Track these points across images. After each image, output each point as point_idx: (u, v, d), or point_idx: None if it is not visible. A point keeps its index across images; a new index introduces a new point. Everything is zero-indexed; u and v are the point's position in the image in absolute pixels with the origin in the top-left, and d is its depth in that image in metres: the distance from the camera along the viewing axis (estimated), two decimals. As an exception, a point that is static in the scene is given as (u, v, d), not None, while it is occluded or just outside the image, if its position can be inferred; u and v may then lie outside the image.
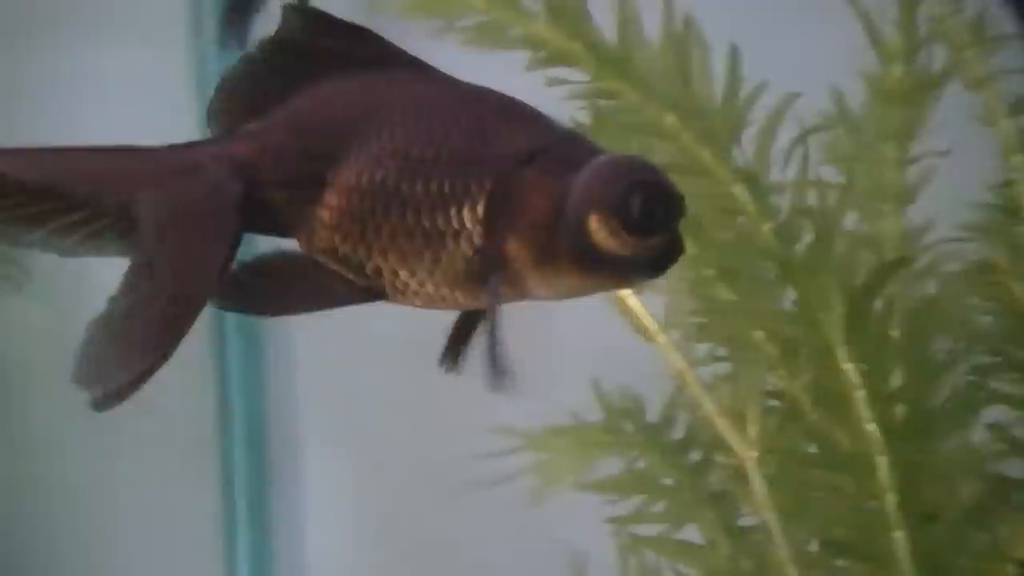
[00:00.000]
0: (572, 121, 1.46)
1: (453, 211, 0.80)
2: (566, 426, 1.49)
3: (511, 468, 1.49)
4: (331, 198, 0.82)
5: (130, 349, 0.78)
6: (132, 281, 0.80)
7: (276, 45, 0.84)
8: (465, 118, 0.81)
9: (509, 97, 0.83)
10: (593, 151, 0.81)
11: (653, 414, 1.51)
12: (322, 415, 2.15)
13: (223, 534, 2.10)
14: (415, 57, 0.85)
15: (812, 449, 1.42)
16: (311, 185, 0.83)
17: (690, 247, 1.48)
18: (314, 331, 2.03)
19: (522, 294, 0.82)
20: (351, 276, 0.83)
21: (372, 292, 0.83)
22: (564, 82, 1.45)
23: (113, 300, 0.80)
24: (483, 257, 0.80)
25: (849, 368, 1.39)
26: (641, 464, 1.45)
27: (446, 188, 0.80)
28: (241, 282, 0.82)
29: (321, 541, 2.14)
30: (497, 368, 0.79)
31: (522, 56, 1.46)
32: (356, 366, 2.08)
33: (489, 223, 0.80)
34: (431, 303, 0.83)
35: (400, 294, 0.83)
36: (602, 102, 1.45)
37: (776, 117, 1.45)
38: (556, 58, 1.46)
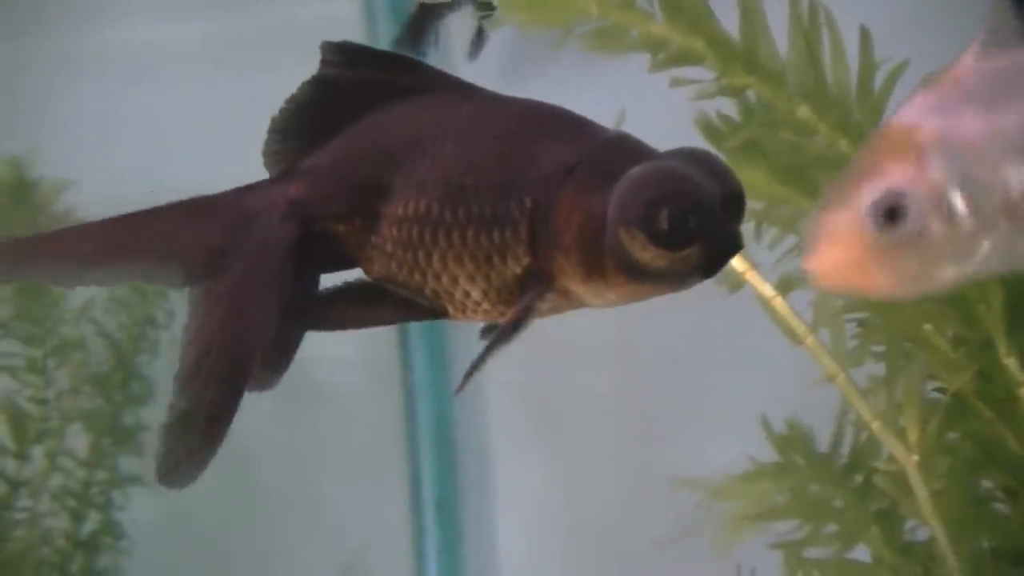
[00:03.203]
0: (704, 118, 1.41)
1: (496, 233, 0.81)
2: (742, 474, 1.45)
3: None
4: (384, 228, 0.84)
5: (193, 447, 0.84)
6: (183, 385, 0.84)
7: (321, 83, 0.86)
8: (504, 139, 0.82)
9: (551, 108, 0.83)
10: (635, 157, 0.79)
11: (822, 440, 1.45)
12: (509, 418, 2.15)
13: (412, 538, 2.13)
14: (455, 78, 0.85)
15: (977, 452, 1.33)
16: (365, 216, 0.85)
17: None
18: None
19: (575, 304, 0.83)
20: (414, 298, 0.85)
21: (435, 311, 0.86)
22: (689, 81, 1.39)
23: (171, 408, 0.84)
24: (531, 274, 0.81)
25: (1011, 363, 1.30)
26: (811, 489, 1.40)
27: (488, 212, 0.81)
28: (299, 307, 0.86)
29: (511, 545, 2.14)
30: (474, 372, 0.81)
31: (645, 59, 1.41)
32: (543, 367, 2.06)
33: (533, 242, 0.81)
34: (491, 318, 0.85)
35: (461, 312, 0.85)
36: (730, 100, 1.39)
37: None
38: (678, 58, 1.40)
